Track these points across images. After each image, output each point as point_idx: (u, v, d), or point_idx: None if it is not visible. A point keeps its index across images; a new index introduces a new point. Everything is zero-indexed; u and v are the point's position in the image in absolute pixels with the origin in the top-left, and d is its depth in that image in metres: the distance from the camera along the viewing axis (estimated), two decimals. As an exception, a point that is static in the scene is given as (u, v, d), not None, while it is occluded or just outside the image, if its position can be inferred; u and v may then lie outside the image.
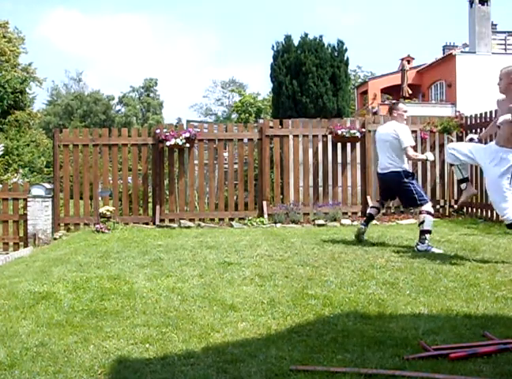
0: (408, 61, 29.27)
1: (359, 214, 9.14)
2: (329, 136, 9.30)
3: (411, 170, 6.23)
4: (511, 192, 4.98)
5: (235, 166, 9.54)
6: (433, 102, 27.16)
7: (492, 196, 5.14)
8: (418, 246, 5.77)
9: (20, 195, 9.01)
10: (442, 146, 9.60)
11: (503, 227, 7.58)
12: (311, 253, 5.62)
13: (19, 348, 3.10)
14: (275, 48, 15.28)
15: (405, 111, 6.23)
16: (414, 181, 6.11)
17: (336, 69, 14.70)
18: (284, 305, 3.82)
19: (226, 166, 9.75)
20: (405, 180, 6.02)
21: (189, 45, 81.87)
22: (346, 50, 15.19)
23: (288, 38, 15.18)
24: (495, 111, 8.46)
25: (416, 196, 5.98)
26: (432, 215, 5.98)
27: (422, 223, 5.85)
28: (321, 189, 9.36)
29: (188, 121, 11.58)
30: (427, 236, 5.79)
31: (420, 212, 5.97)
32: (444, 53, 29.44)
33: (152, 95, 59.72)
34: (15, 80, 27.84)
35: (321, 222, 8.40)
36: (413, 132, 9.50)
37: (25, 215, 8.88)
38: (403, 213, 9.33)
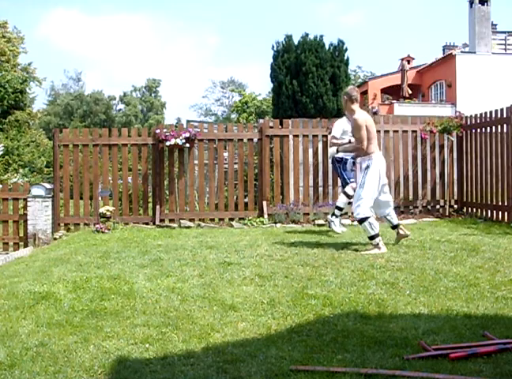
0: (408, 61, 29.27)
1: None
2: (329, 136, 9.28)
3: (341, 157, 7.00)
4: (364, 191, 5.78)
5: (235, 166, 9.54)
6: (433, 102, 27.17)
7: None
8: (328, 216, 7.30)
9: (20, 195, 9.01)
10: (442, 146, 9.60)
11: (503, 227, 7.60)
12: (311, 253, 5.62)
13: (19, 348, 3.10)
14: (275, 48, 15.28)
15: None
16: (341, 166, 7.03)
17: (336, 69, 14.71)
18: (284, 305, 3.82)
19: (226, 166, 9.75)
20: (336, 165, 7.15)
21: (189, 45, 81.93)
22: (346, 49, 15.19)
23: (288, 38, 15.17)
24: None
25: (346, 177, 7.03)
26: (348, 196, 6.89)
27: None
28: (321, 189, 9.36)
29: (188, 121, 11.58)
30: (337, 212, 7.05)
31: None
32: (444, 53, 29.43)
33: (153, 95, 59.74)
34: (15, 80, 27.84)
35: (321, 222, 8.40)
36: (413, 132, 9.53)
37: (25, 215, 8.88)
38: (403, 213, 9.33)
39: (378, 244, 5.68)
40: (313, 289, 4.21)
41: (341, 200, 7.05)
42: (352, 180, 6.88)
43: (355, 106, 5.97)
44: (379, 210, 6.05)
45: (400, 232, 6.07)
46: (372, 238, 5.71)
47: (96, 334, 3.31)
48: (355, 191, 6.46)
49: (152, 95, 59.78)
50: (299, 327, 3.39)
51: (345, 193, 6.97)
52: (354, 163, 6.49)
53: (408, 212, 9.38)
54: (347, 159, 6.83)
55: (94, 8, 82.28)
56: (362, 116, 5.89)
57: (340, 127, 7.04)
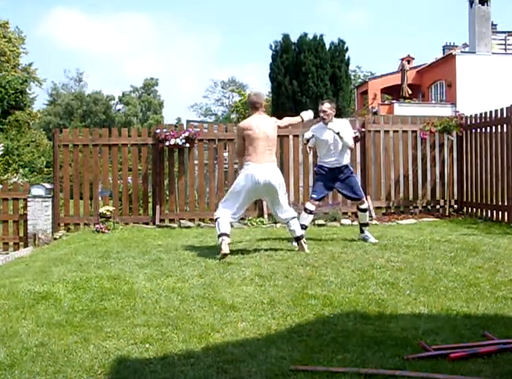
0: (408, 61, 29.29)
1: (359, 214, 9.13)
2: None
3: (320, 165, 6.49)
4: (227, 194, 5.82)
5: (235, 166, 9.53)
6: (433, 102, 27.17)
7: None
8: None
9: (20, 195, 9.02)
10: (441, 146, 9.60)
11: (503, 227, 7.61)
12: (311, 253, 5.61)
13: (19, 348, 3.10)
14: (273, 47, 15.26)
15: (320, 111, 6.36)
16: (318, 177, 6.46)
17: (336, 69, 14.71)
18: (284, 305, 3.82)
19: (226, 166, 9.75)
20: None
21: (189, 45, 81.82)
22: (347, 49, 15.19)
23: (285, 37, 15.14)
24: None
25: (312, 189, 6.56)
26: (307, 211, 6.28)
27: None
28: (321, 189, 9.34)
29: (188, 121, 11.57)
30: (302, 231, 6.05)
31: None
32: (444, 53, 29.44)
33: (151, 94, 59.69)
34: (15, 81, 27.85)
35: (321, 222, 8.39)
36: (413, 132, 9.53)
37: (25, 215, 8.88)
38: (403, 213, 9.33)
39: (220, 244, 5.39)
40: (313, 289, 4.21)
41: (302, 217, 6.26)
42: (313, 195, 6.33)
43: (253, 113, 5.70)
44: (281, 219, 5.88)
45: (302, 246, 5.68)
46: (218, 236, 5.50)
47: (96, 334, 3.31)
48: (313, 206, 6.25)
49: (151, 94, 59.72)
50: (299, 327, 3.39)
51: (305, 209, 6.36)
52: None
53: (408, 211, 9.38)
54: (319, 167, 6.47)
55: (95, 7, 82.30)
56: (241, 124, 5.73)
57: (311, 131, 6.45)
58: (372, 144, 9.38)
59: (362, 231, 6.47)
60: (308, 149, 6.62)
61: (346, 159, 6.37)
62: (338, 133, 6.14)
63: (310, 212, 6.30)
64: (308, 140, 6.44)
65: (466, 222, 8.43)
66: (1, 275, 5.23)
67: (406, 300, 3.91)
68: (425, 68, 28.77)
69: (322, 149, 6.39)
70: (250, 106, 5.84)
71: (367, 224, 6.51)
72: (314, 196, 6.33)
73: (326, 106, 6.29)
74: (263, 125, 5.61)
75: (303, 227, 6.15)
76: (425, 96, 28.62)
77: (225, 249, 5.33)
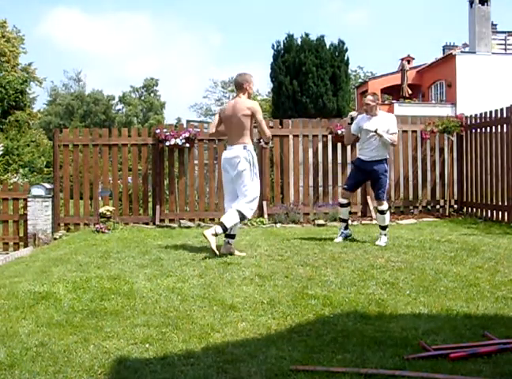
0: (408, 61, 29.32)
1: (359, 214, 9.14)
2: (329, 136, 9.30)
3: (358, 157, 6.54)
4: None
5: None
6: (433, 102, 27.19)
7: None
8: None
9: (20, 195, 9.02)
10: (442, 147, 9.60)
11: (503, 227, 7.61)
12: (311, 253, 5.61)
13: (19, 348, 3.10)
14: (275, 47, 15.28)
15: (364, 103, 6.42)
16: (351, 171, 6.73)
17: (336, 69, 14.72)
18: (284, 305, 3.82)
19: (226, 166, 9.74)
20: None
21: (189, 44, 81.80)
22: (347, 50, 15.21)
23: (290, 37, 15.17)
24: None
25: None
26: (339, 205, 6.58)
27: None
28: (321, 189, 9.36)
29: (188, 121, 11.57)
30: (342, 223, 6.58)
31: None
32: (444, 53, 29.47)
33: (152, 95, 59.69)
34: (15, 81, 27.87)
35: (321, 222, 8.40)
36: (413, 132, 9.53)
37: (25, 215, 8.88)
38: (403, 213, 9.33)
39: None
40: (313, 289, 4.21)
41: (339, 212, 6.71)
42: (344, 186, 6.53)
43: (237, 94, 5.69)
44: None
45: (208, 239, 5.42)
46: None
47: (96, 334, 3.31)
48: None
49: (151, 94, 59.71)
50: (299, 327, 3.39)
51: (339, 204, 6.71)
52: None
53: (408, 212, 9.38)
54: (356, 159, 6.59)
55: (95, 7, 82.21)
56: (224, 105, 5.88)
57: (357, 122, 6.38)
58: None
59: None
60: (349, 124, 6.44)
61: (383, 154, 6.26)
62: (376, 131, 6.13)
63: (342, 205, 6.47)
64: (351, 122, 6.39)
65: (466, 222, 8.43)
66: (1, 275, 5.23)
67: (406, 300, 3.91)
68: (425, 68, 28.78)
69: (363, 139, 6.35)
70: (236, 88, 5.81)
71: (384, 227, 6.27)
72: (345, 186, 6.52)
73: (369, 98, 6.34)
74: (234, 108, 5.58)
75: (342, 220, 6.50)
76: (425, 96, 28.64)
77: (212, 245, 5.35)
